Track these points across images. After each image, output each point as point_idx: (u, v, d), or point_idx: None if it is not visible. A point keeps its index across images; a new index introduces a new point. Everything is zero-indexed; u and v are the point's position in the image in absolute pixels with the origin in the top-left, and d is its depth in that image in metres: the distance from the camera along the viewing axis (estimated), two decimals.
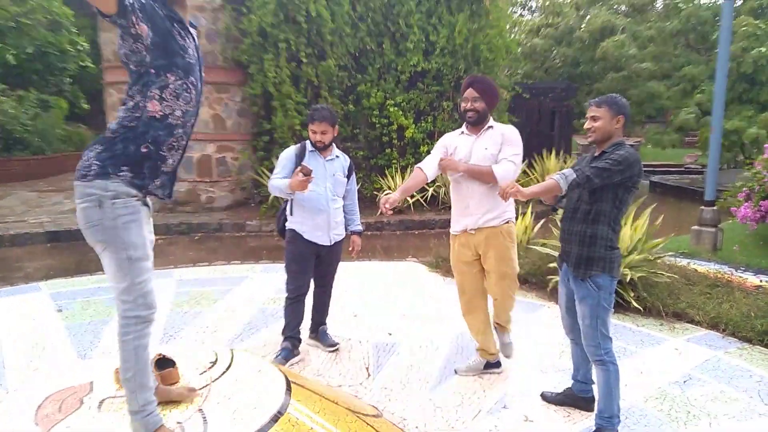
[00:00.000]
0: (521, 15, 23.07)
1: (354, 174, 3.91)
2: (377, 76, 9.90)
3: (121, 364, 2.07)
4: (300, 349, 3.81)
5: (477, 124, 3.32)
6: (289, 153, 3.69)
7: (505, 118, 11.19)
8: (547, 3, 18.35)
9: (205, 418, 2.28)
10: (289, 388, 2.57)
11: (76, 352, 3.87)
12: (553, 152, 11.25)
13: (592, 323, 2.79)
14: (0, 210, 9.43)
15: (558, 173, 2.71)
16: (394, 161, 10.01)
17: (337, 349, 3.91)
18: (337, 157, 3.75)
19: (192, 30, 2.14)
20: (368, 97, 9.79)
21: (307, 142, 3.69)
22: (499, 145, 3.27)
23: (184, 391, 2.41)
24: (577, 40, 16.10)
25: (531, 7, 24.95)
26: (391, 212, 3.18)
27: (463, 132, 3.43)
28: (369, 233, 8.16)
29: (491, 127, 3.33)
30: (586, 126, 2.82)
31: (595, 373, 2.93)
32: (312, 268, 3.73)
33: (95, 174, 1.97)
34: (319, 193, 3.59)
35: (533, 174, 10.62)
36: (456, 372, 3.61)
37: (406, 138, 9.94)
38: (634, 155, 2.70)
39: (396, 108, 9.76)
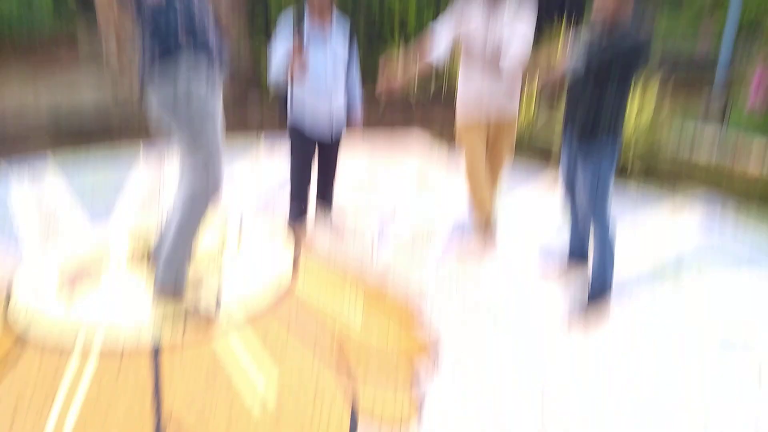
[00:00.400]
0: None
1: (355, 41, 3.58)
2: None
3: (180, 228, 2.14)
4: (305, 227, 3.80)
5: None
6: (287, 18, 3.35)
7: None
8: None
9: (218, 290, 2.39)
10: (296, 263, 2.65)
11: (90, 219, 3.98)
12: (564, 21, 10.65)
13: (592, 183, 2.83)
14: None
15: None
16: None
17: (342, 226, 3.93)
18: (337, 28, 3.42)
19: None
20: None
21: (306, 15, 3.33)
22: (513, 21, 3.17)
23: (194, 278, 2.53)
24: None
25: None
26: (386, 97, 3.12)
27: (480, 5, 3.24)
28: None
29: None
30: (596, 2, 2.67)
31: (591, 238, 3.02)
32: (313, 158, 3.63)
33: (161, 67, 1.98)
34: (319, 74, 3.33)
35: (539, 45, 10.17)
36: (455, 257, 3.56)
37: (409, 33, 9.31)
38: (643, 44, 2.63)
39: None
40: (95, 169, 5.09)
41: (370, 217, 4.19)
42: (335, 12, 3.41)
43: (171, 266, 2.16)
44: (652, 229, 3.84)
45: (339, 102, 3.48)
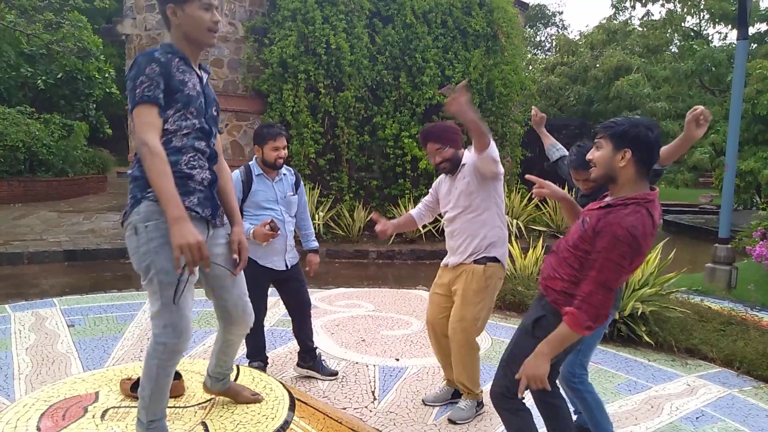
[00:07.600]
0: (535, 54, 23.31)
1: (302, 185, 3.82)
2: (393, 109, 10.07)
3: (141, 378, 2.07)
4: (304, 372, 3.81)
5: (454, 170, 3.28)
6: (234, 178, 3.38)
7: (518, 153, 11.26)
8: (563, 42, 18.57)
9: (207, 430, 2.29)
10: (293, 405, 2.57)
11: (84, 366, 3.90)
12: (566, 187, 11.24)
13: (578, 352, 2.76)
14: (20, 228, 9.60)
15: None
16: (407, 191, 10.09)
17: (336, 378, 3.82)
18: (284, 175, 3.67)
19: (203, 74, 2.21)
20: (383, 128, 9.93)
21: (252, 165, 3.59)
22: (472, 169, 3.19)
23: (249, 394, 2.53)
24: (591, 78, 16.22)
25: (545, 46, 25.10)
26: (378, 235, 3.43)
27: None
28: (380, 261, 8.20)
29: (464, 164, 3.26)
30: (588, 156, 2.22)
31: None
32: (266, 293, 3.63)
33: (131, 204, 2.05)
34: (275, 218, 3.49)
35: (546, 208, 10.61)
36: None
37: (420, 169, 10.04)
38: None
39: (410, 140, 9.89)
40: (98, 316, 5.08)
41: (374, 360, 4.12)
42: (282, 168, 3.67)
43: (141, 418, 2.07)
44: (666, 406, 3.65)
45: (293, 240, 3.70)
